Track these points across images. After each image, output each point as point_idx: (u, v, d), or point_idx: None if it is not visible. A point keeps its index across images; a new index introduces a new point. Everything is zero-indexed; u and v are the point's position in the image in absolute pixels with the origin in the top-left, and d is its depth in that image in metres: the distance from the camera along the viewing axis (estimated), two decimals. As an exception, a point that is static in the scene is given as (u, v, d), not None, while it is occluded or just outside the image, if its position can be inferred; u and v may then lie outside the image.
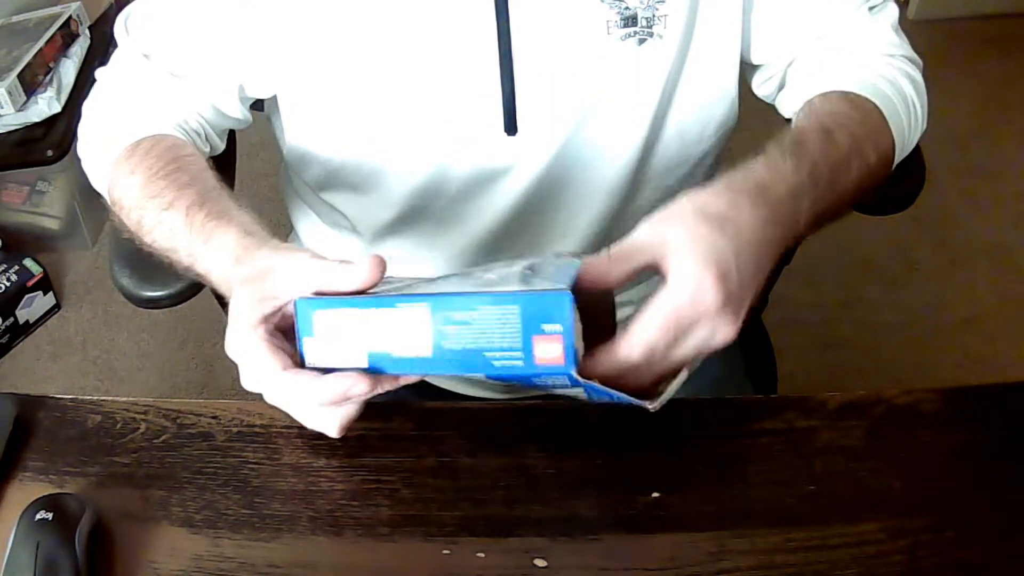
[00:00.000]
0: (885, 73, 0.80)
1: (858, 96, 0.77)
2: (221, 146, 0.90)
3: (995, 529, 0.67)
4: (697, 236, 0.59)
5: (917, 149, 0.86)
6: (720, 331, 0.60)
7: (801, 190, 0.66)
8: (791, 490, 0.68)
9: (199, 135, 0.85)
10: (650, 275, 0.98)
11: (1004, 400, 0.76)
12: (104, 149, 0.82)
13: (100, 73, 0.87)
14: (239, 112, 0.87)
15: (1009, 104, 2.42)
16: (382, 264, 0.61)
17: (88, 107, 0.86)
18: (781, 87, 0.86)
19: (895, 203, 0.97)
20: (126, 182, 0.77)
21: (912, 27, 2.75)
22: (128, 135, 0.81)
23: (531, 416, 0.77)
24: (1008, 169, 2.26)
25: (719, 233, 0.60)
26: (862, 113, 0.76)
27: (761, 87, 0.86)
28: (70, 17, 1.89)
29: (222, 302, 0.70)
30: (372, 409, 0.70)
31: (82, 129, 0.86)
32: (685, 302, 0.58)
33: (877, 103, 0.76)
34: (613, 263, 0.61)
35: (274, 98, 0.85)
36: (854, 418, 0.74)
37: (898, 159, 0.80)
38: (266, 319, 0.63)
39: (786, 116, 0.85)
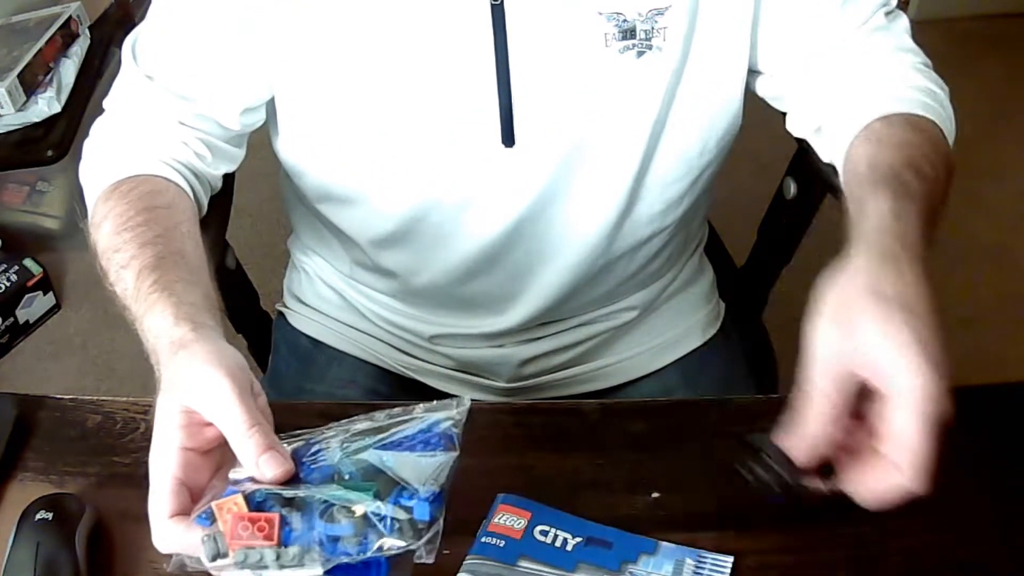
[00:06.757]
0: (922, 85, 0.79)
1: (915, 116, 0.76)
2: (219, 182, 0.87)
3: (995, 529, 0.67)
4: (897, 331, 0.56)
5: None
6: (944, 401, 0.57)
7: (922, 234, 0.64)
8: (791, 490, 0.68)
9: (195, 172, 0.82)
10: (650, 278, 0.98)
11: (1004, 400, 0.76)
12: (94, 184, 0.80)
13: (105, 103, 0.85)
14: (239, 142, 0.86)
15: (1009, 104, 2.42)
16: (287, 465, 0.56)
17: (88, 142, 0.84)
18: (817, 124, 0.82)
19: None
20: (98, 227, 0.75)
21: (912, 27, 2.77)
22: (114, 171, 0.79)
23: (531, 416, 0.77)
24: (1008, 169, 2.26)
25: (908, 314, 0.57)
26: (927, 135, 0.74)
27: (767, 88, 0.85)
28: (70, 17, 1.88)
29: None
30: (371, 410, 0.70)
31: (82, 164, 0.84)
32: (931, 408, 0.54)
33: (934, 120, 0.76)
34: (829, 405, 0.57)
35: (270, 105, 0.85)
36: (854, 418, 0.74)
37: None
38: (184, 449, 0.58)
39: (824, 141, 0.82)
